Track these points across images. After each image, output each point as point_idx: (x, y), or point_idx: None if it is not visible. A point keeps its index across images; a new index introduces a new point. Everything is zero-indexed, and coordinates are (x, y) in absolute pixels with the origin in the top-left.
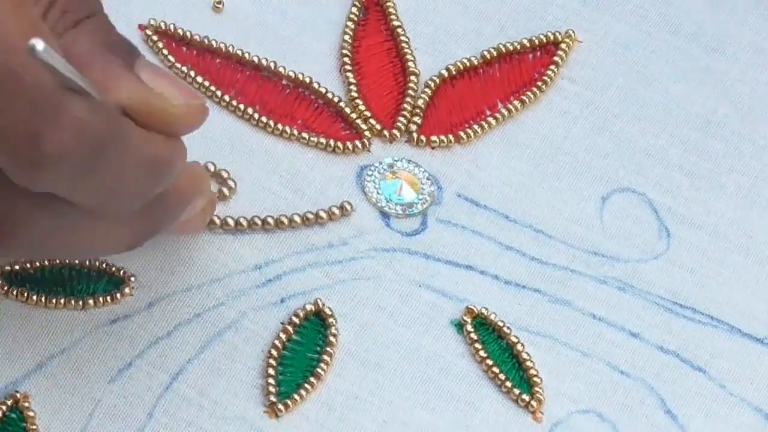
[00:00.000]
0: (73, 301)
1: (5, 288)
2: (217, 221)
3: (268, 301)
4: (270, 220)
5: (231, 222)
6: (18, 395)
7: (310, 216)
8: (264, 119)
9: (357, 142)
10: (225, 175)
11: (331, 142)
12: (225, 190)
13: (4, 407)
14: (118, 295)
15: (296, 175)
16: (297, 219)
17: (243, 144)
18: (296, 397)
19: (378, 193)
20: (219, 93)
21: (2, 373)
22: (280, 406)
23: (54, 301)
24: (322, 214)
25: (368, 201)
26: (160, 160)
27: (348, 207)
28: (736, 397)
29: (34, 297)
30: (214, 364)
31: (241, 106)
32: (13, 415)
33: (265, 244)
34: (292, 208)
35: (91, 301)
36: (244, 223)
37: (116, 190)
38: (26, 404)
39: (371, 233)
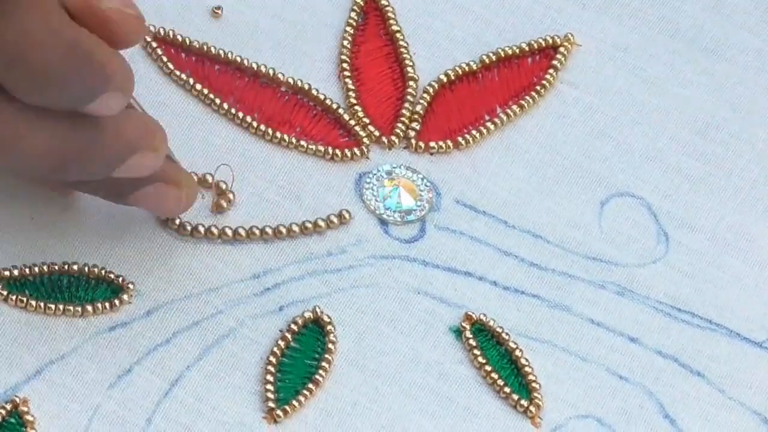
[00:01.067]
0: (72, 308)
1: (5, 294)
2: (215, 231)
3: (266, 310)
4: (268, 229)
5: (229, 232)
6: (17, 400)
7: (309, 225)
8: (262, 127)
9: (355, 150)
10: (224, 186)
11: (330, 149)
12: (223, 202)
13: (3, 412)
14: (117, 302)
15: (295, 183)
16: (295, 228)
17: (242, 153)
18: (295, 403)
19: (376, 200)
20: (218, 101)
21: (1, 379)
22: (279, 412)
23: (53, 307)
24: (321, 223)
25: (366, 208)
26: (86, 49)
27: (346, 215)
28: (735, 402)
29: (34, 303)
30: (212, 371)
31: (240, 114)
32: (13, 420)
33: (263, 253)
34: (291, 217)
35: (90, 308)
36: (243, 233)
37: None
38: (25, 409)
39: (370, 241)
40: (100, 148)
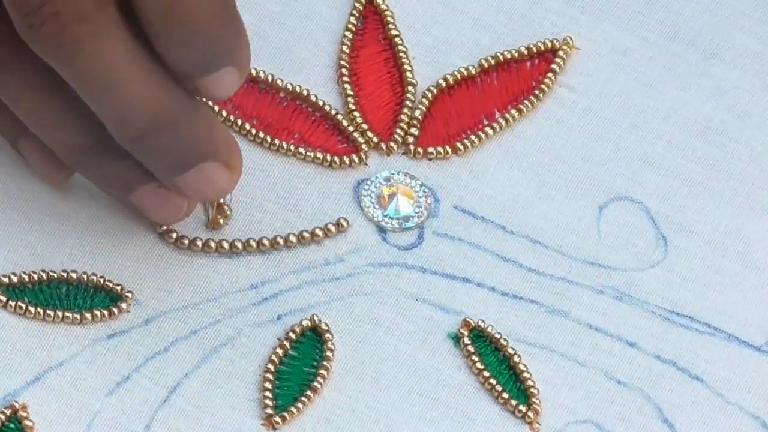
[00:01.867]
0: (71, 315)
1: (4, 300)
2: (213, 245)
3: (264, 319)
4: (266, 241)
5: (226, 246)
6: (16, 405)
7: (306, 235)
8: (261, 135)
9: (354, 156)
10: (221, 200)
11: (328, 156)
12: (221, 219)
13: (2, 417)
14: (116, 310)
15: (293, 191)
16: (293, 239)
17: None
18: (293, 410)
19: (374, 207)
20: (216, 108)
21: (1, 384)
22: (277, 419)
23: (52, 314)
24: (318, 232)
25: (365, 216)
26: (234, 11)
27: (344, 223)
28: (734, 406)
29: (33, 310)
30: (211, 378)
31: (238, 122)
32: (12, 425)
33: (261, 264)
34: (289, 226)
35: (88, 316)
36: (240, 246)
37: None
38: (24, 414)
39: (368, 248)
40: (187, 131)
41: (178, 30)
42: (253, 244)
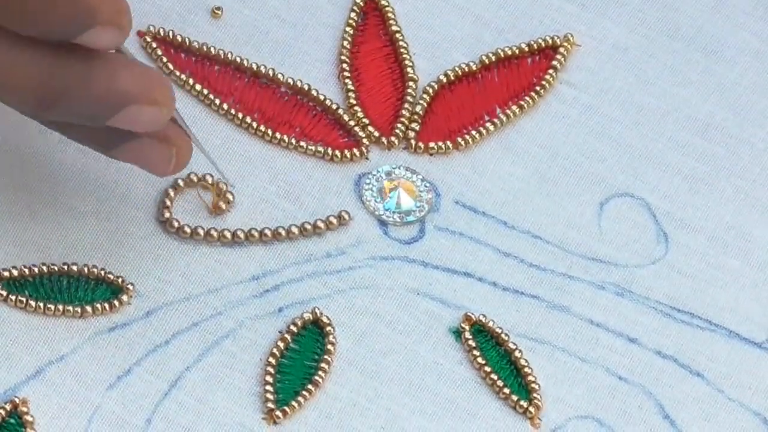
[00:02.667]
0: (71, 309)
1: (5, 294)
2: (215, 234)
3: (265, 311)
4: (268, 231)
5: (228, 235)
6: (17, 400)
7: (308, 227)
8: (262, 128)
9: (355, 150)
10: (223, 187)
11: (329, 150)
12: (222, 204)
13: (3, 412)
14: (117, 303)
15: (294, 184)
16: (295, 230)
17: (241, 153)
18: (294, 404)
19: (376, 201)
20: (217, 101)
21: (1, 379)
22: (278, 413)
23: (53, 308)
24: (320, 225)
25: (366, 209)
26: None
27: (346, 216)
28: (735, 402)
29: (33, 304)
30: (212, 372)
31: (240, 115)
32: (12, 420)
33: (262, 255)
34: (291, 218)
35: (89, 309)
36: (242, 235)
37: None
38: (25, 409)
39: (369, 242)
40: (90, 90)
41: (11, 12)
42: (255, 234)
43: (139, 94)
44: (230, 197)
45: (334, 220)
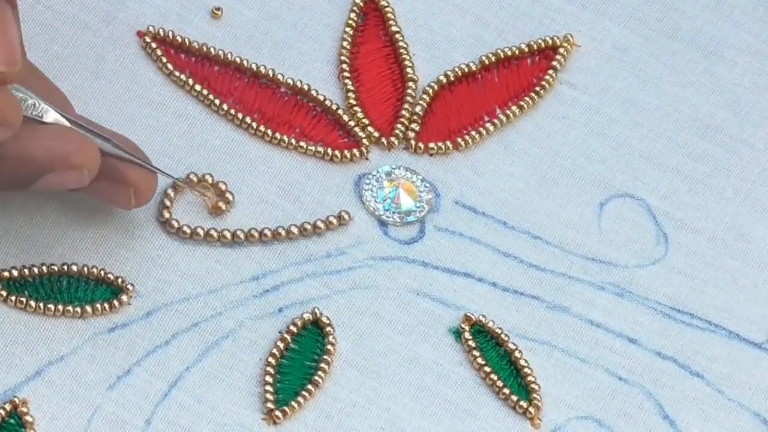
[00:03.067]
0: (71, 309)
1: (5, 295)
2: (215, 234)
3: (265, 311)
4: (267, 232)
5: (228, 235)
6: (17, 401)
7: (308, 227)
8: (262, 128)
9: (355, 151)
10: (223, 187)
11: (329, 150)
12: (222, 204)
13: (2, 412)
14: (117, 303)
15: (294, 185)
16: (294, 230)
17: (241, 154)
18: (294, 404)
19: (375, 201)
20: (217, 102)
21: (1, 379)
22: (278, 413)
23: (52, 308)
24: (320, 225)
25: (366, 210)
26: None
27: (346, 216)
28: (734, 402)
29: (33, 304)
30: (212, 372)
31: (240, 115)
32: (12, 421)
33: (262, 255)
34: (290, 218)
35: (89, 309)
36: (242, 235)
37: None
38: (24, 410)
39: (369, 242)
40: (2, 165)
41: None
42: (255, 234)
43: (53, 161)
44: (230, 197)
45: (334, 221)
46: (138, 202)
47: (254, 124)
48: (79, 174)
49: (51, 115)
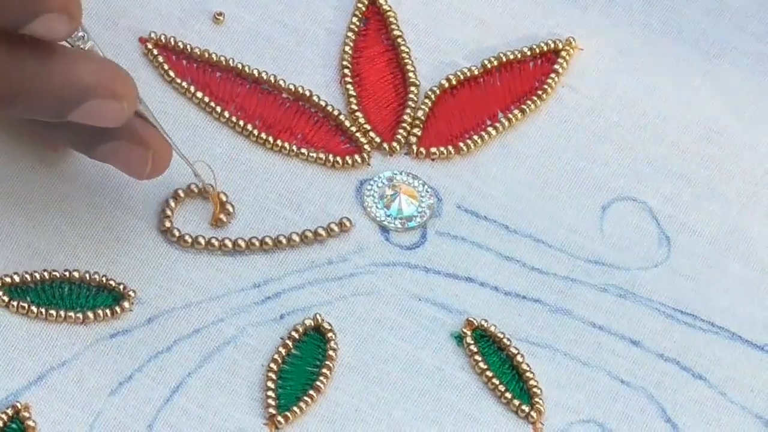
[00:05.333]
0: (73, 315)
1: (6, 300)
2: (216, 243)
3: (267, 318)
4: (268, 240)
5: (229, 244)
6: (19, 405)
7: (309, 234)
8: (264, 135)
9: (357, 156)
10: (224, 198)
11: (331, 157)
12: (223, 216)
13: (5, 417)
14: (118, 309)
15: (295, 192)
16: (296, 238)
17: (242, 162)
18: (296, 409)
19: (377, 207)
20: (219, 109)
21: (3, 384)
22: (280, 419)
23: (54, 314)
24: (321, 232)
25: (368, 216)
26: None
27: (347, 223)
28: (737, 405)
29: (35, 310)
30: (213, 378)
31: (241, 123)
32: (14, 426)
33: (264, 263)
34: (292, 226)
35: (91, 315)
36: (243, 244)
37: None
38: (26, 414)
39: (371, 248)
40: (46, 84)
41: None
42: (256, 243)
43: (98, 87)
44: (230, 209)
45: (336, 227)
46: (153, 172)
47: (255, 132)
48: (119, 106)
49: (98, 52)
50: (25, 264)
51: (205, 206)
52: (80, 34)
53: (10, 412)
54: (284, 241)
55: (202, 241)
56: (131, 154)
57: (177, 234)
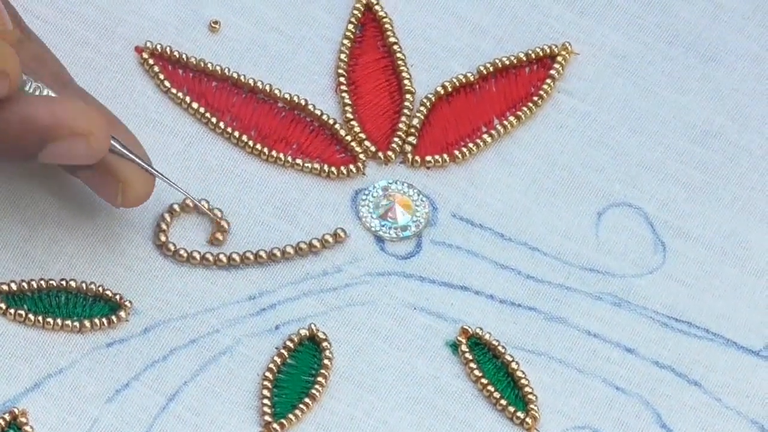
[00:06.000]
0: (70, 323)
1: (4, 308)
2: (211, 258)
3: (262, 329)
4: (263, 254)
5: (224, 259)
6: (16, 412)
7: (304, 246)
8: (259, 146)
9: (352, 166)
10: (219, 213)
11: (326, 167)
12: (219, 234)
13: (2, 423)
14: (115, 319)
15: (291, 203)
16: (290, 250)
17: (237, 174)
18: (291, 417)
19: (372, 217)
20: (214, 120)
21: (0, 391)
22: (276, 426)
23: (51, 322)
24: (316, 243)
25: (362, 226)
26: None
27: (342, 234)
28: (732, 411)
29: (32, 318)
30: (209, 386)
31: (236, 134)
32: (11, 431)
33: (258, 275)
34: (287, 238)
35: (87, 324)
36: (237, 258)
37: None
38: (24, 420)
39: (366, 258)
40: (5, 132)
41: None
42: (251, 256)
43: (56, 127)
44: (225, 225)
45: (330, 238)
46: (126, 202)
47: (251, 143)
48: (84, 143)
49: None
50: (22, 272)
51: (200, 221)
52: (34, 85)
53: (7, 417)
54: (279, 254)
55: (197, 256)
56: (101, 183)
57: (172, 249)
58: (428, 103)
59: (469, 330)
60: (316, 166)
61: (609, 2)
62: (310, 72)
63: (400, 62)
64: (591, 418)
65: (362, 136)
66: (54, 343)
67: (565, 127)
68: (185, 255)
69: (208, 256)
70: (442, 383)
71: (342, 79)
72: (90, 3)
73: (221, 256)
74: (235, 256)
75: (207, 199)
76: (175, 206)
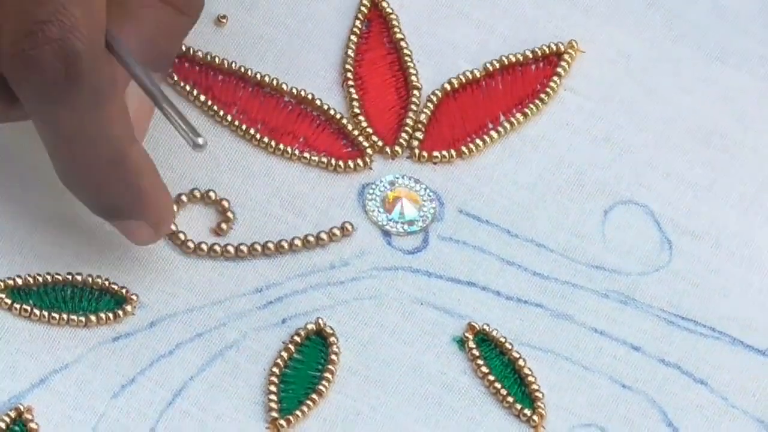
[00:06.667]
0: (75, 318)
1: (9, 303)
2: (218, 249)
3: (269, 322)
4: (270, 245)
5: (231, 250)
6: (21, 408)
7: (311, 239)
8: (266, 139)
9: (359, 160)
10: (225, 205)
11: (333, 161)
12: (224, 224)
13: (7, 419)
14: (121, 313)
15: (298, 196)
16: (298, 242)
17: (244, 166)
18: (298, 413)
19: (379, 211)
20: (221, 113)
21: (6, 387)
22: (282, 422)
23: (57, 317)
24: (323, 236)
25: (369, 220)
26: (131, 168)
27: (349, 227)
28: (738, 410)
29: (38, 313)
30: (216, 381)
31: (243, 126)
32: (17, 428)
33: (266, 268)
34: (294, 230)
35: (93, 318)
36: (245, 249)
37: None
38: (29, 416)
39: (373, 252)
40: (92, 152)
41: (65, 173)
42: (258, 248)
43: (145, 213)
44: (231, 215)
45: (338, 232)
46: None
47: (258, 135)
48: (152, 231)
49: None
50: (27, 267)
51: (207, 211)
52: None
53: (12, 414)
54: (286, 246)
55: (205, 248)
56: (137, 231)
57: (182, 238)
58: (435, 99)
59: (476, 326)
60: (323, 159)
61: (615, 2)
62: (316, 67)
63: (406, 58)
64: (597, 416)
65: (369, 130)
66: (59, 338)
67: (571, 124)
68: (192, 246)
69: (216, 247)
70: (449, 379)
71: (349, 75)
72: None
73: (229, 248)
74: (243, 247)
75: (214, 189)
76: (183, 197)
